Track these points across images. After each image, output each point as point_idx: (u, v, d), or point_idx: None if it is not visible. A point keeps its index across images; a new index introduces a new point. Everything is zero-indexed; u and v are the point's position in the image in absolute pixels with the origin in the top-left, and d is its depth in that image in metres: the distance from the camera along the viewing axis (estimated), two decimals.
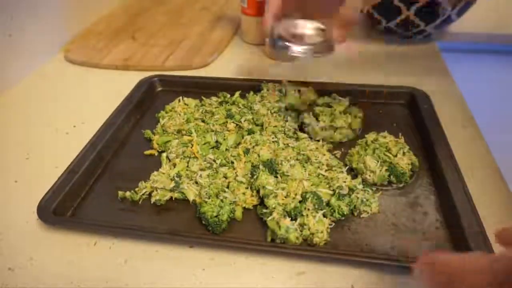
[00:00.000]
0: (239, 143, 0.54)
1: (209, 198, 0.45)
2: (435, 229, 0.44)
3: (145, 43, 0.83)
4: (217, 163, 0.51)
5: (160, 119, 0.60)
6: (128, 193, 0.49)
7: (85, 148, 0.54)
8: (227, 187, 0.48)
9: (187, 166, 0.51)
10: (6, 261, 0.42)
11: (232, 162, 0.51)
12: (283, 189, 0.45)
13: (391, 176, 0.49)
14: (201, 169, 0.50)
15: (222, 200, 0.45)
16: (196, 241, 0.43)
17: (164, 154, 0.54)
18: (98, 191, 0.50)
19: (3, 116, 0.66)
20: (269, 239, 0.43)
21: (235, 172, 0.49)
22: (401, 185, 0.49)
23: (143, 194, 0.48)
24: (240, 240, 0.43)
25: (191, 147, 0.53)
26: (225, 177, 0.49)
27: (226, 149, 0.53)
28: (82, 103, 0.68)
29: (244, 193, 0.47)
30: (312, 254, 0.41)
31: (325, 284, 0.39)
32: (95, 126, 0.58)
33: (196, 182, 0.48)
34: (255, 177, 0.47)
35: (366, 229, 0.44)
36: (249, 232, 0.44)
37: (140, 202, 0.48)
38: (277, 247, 0.42)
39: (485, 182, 0.49)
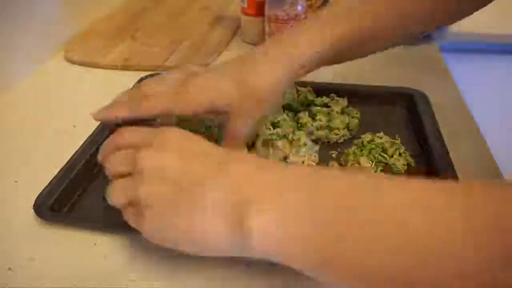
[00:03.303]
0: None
1: None
2: None
3: (145, 43, 0.83)
4: None
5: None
6: None
7: (83, 145, 0.54)
8: None
9: None
10: (6, 261, 0.42)
11: None
12: None
13: None
14: None
15: None
16: None
17: None
18: (96, 189, 0.50)
19: (3, 116, 0.66)
20: None
21: None
22: None
23: None
24: None
25: None
26: None
27: None
28: (82, 103, 0.67)
29: None
30: None
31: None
32: (95, 126, 0.58)
33: None
34: None
35: None
36: None
37: None
38: None
39: None
